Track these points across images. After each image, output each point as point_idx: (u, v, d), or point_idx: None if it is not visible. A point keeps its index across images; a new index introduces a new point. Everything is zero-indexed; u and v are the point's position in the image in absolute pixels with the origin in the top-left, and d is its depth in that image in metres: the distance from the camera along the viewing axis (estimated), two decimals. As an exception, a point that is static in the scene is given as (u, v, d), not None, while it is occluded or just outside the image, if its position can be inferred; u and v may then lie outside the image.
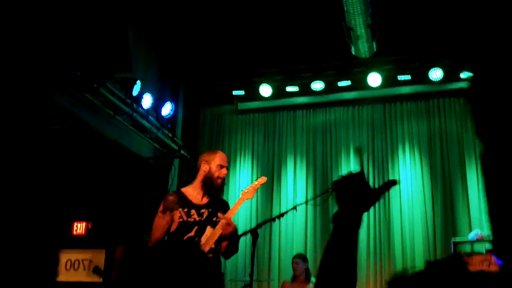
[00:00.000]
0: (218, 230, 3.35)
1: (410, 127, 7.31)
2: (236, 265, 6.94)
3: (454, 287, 0.83)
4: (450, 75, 6.94)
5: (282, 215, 3.59)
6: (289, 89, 7.52)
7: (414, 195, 6.94)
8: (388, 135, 7.39)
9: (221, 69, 7.67)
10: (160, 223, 3.41)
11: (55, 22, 4.69)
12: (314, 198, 4.29)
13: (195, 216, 3.44)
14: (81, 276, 4.54)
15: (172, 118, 6.97)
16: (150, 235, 3.44)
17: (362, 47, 6.18)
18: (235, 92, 7.73)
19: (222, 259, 3.55)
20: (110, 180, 5.86)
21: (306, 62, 7.40)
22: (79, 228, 4.87)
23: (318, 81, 7.33)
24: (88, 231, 4.84)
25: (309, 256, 6.39)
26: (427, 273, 0.86)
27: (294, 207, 3.66)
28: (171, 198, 3.51)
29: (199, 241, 3.36)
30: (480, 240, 5.88)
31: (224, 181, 3.60)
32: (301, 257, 5.98)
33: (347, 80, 7.27)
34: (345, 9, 5.55)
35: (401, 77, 7.06)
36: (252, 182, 7.58)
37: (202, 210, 3.47)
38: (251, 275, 3.31)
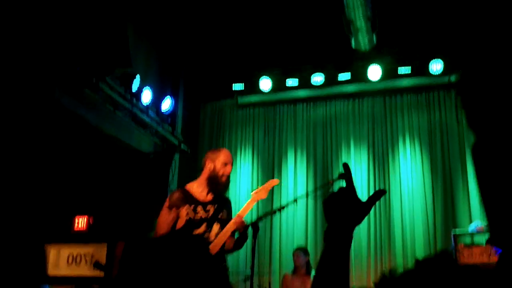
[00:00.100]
0: (229, 230, 3.40)
1: (410, 120, 7.31)
2: (237, 257, 6.96)
3: (442, 286, 0.84)
4: (451, 68, 6.93)
5: (282, 208, 3.61)
6: (289, 82, 7.51)
7: (415, 187, 6.95)
8: (388, 128, 7.39)
9: (221, 63, 7.66)
10: (166, 219, 3.45)
11: (55, 17, 4.68)
12: (315, 190, 4.30)
13: (202, 213, 3.49)
14: (83, 270, 4.56)
15: (172, 113, 6.97)
16: (153, 232, 3.47)
17: (362, 40, 6.17)
18: (235, 86, 7.73)
19: None
20: (111, 176, 5.87)
21: (306, 55, 7.38)
22: (81, 223, 4.89)
23: (318, 74, 7.32)
24: (90, 226, 4.86)
25: (310, 249, 6.41)
26: (415, 273, 0.87)
27: (295, 200, 3.68)
28: (177, 195, 3.55)
29: (208, 237, 3.41)
30: (480, 232, 5.88)
31: (228, 178, 3.66)
32: (302, 250, 6.00)
33: (347, 73, 7.26)
34: (345, 2, 5.54)
35: (401, 70, 7.05)
36: (252, 176, 7.67)
37: (208, 207, 3.53)
38: (252, 268, 3.33)
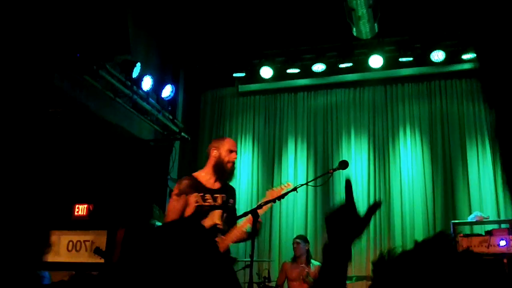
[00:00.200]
0: (243, 226, 3.42)
1: (411, 109, 7.30)
2: (236, 245, 6.98)
3: (440, 267, 0.84)
4: (452, 57, 6.91)
5: (282, 196, 3.60)
6: (290, 71, 7.49)
7: (415, 176, 6.96)
8: (389, 117, 7.38)
9: (222, 51, 7.62)
10: (175, 206, 3.45)
11: (55, 4, 4.65)
12: (315, 179, 4.29)
13: (210, 200, 3.51)
14: (83, 257, 4.58)
15: (173, 100, 6.95)
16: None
17: (364, 28, 6.12)
18: (235, 74, 7.70)
19: None
20: (111, 163, 5.87)
21: (307, 43, 7.35)
22: (81, 210, 4.89)
23: (319, 62, 7.30)
24: (90, 213, 4.87)
25: (309, 237, 6.43)
26: (413, 253, 0.87)
27: (295, 188, 3.67)
28: (186, 181, 3.55)
29: (221, 227, 3.45)
30: (479, 222, 5.90)
31: (234, 165, 3.68)
32: (302, 238, 6.01)
33: (349, 61, 7.24)
34: (346, -11, 5.49)
35: (402, 59, 7.03)
36: (252, 164, 7.67)
37: (216, 195, 3.55)
38: (251, 256, 3.33)
